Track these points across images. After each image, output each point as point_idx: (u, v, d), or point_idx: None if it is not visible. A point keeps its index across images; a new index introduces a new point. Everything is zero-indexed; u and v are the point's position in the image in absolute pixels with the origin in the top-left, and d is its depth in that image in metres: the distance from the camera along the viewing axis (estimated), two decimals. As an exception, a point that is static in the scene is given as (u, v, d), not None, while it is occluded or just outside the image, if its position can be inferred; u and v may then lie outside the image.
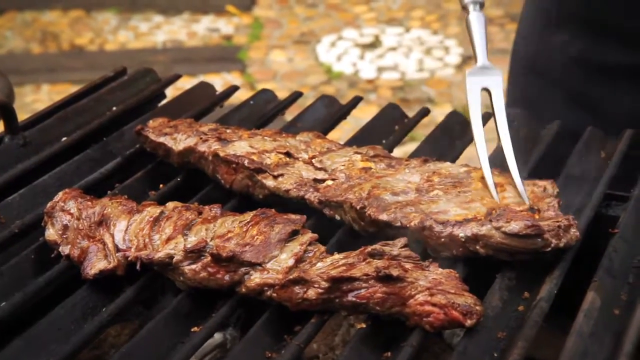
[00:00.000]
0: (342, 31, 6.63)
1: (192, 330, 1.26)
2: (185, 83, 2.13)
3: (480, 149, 1.49)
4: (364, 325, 1.23)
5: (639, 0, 1.92)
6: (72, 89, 1.96)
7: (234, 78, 5.89)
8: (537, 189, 1.42)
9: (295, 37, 6.59)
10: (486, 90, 1.56)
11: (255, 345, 1.21)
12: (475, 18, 1.60)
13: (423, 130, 1.89)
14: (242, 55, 6.32)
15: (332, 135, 1.74)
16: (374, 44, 6.38)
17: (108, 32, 6.84)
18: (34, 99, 5.70)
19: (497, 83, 1.56)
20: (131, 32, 6.83)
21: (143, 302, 1.66)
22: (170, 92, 2.03)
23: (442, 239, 1.31)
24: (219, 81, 5.66)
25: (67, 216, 1.43)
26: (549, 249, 1.28)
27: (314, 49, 6.37)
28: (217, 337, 1.58)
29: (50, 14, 7.16)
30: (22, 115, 1.78)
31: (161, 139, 1.67)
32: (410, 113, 1.89)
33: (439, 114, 1.88)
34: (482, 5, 1.61)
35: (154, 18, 7.05)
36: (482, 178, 1.44)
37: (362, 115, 1.91)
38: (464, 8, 1.62)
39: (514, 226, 1.28)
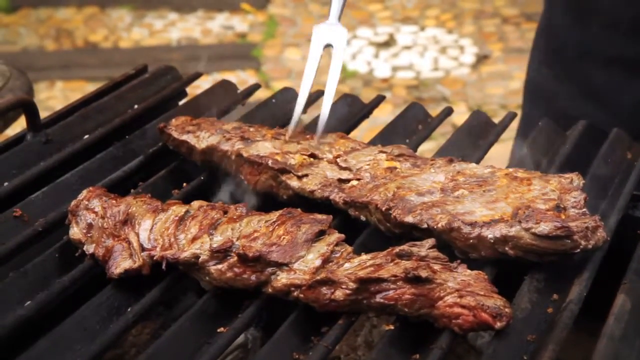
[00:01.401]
0: (356, 30, 6.61)
1: (219, 330, 1.26)
2: (202, 81, 2.12)
3: (301, 96, 1.65)
4: (391, 327, 1.22)
5: None
6: (86, 86, 1.96)
7: (248, 76, 5.88)
8: (564, 180, 1.41)
9: (310, 35, 6.58)
10: (330, 46, 1.69)
11: (282, 346, 1.21)
12: None
13: (440, 129, 1.89)
14: (256, 52, 6.31)
15: (350, 133, 1.73)
16: (389, 43, 6.37)
17: (122, 29, 6.83)
18: (48, 96, 5.70)
19: (340, 39, 1.67)
20: (146, 30, 6.82)
21: (165, 302, 1.66)
22: (189, 91, 2.03)
23: (471, 240, 1.30)
24: (233, 79, 5.64)
25: (91, 215, 1.43)
26: (578, 250, 1.27)
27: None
28: (239, 337, 1.57)
29: (65, 10, 7.16)
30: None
31: (184, 137, 1.66)
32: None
33: (454, 113, 1.88)
34: None
35: (168, 15, 7.04)
36: (507, 175, 1.44)
37: (379, 114, 1.90)
38: None
39: (544, 227, 1.27)
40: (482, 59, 6.07)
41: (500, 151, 1.68)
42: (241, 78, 5.78)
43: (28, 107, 1.72)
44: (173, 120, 1.72)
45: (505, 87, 5.60)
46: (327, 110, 1.62)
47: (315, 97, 1.85)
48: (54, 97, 5.66)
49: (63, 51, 6.52)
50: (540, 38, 2.29)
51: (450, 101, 5.46)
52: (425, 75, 5.87)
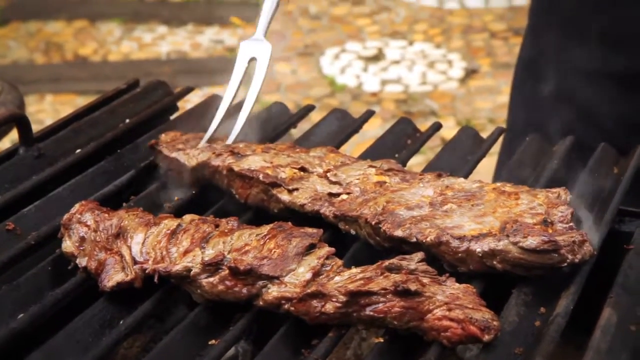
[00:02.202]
0: (345, 44, 6.64)
1: (210, 343, 1.27)
2: (192, 94, 2.14)
3: (222, 107, 1.73)
4: (381, 340, 1.23)
5: (632, 8, 1.94)
6: (76, 99, 1.97)
7: (238, 90, 5.89)
8: (552, 194, 1.42)
9: (299, 49, 6.60)
10: (254, 59, 1.75)
11: (273, 359, 1.22)
12: None
13: (429, 143, 1.90)
14: (245, 67, 6.33)
15: (340, 148, 1.75)
16: (378, 57, 6.40)
17: (112, 42, 6.85)
18: (37, 109, 5.70)
19: (264, 52, 1.75)
20: (135, 43, 6.84)
21: (156, 315, 1.66)
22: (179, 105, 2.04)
23: (459, 254, 1.31)
24: (222, 93, 5.65)
25: (84, 228, 1.44)
26: (565, 264, 1.29)
27: (317, 61, 6.39)
28: (230, 350, 1.58)
29: (55, 24, 7.18)
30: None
31: (174, 155, 1.67)
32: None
33: (443, 127, 1.90)
34: None
35: (158, 29, 7.06)
36: (494, 189, 1.45)
37: (367, 128, 1.92)
38: None
39: (531, 241, 1.28)
40: (470, 73, 6.10)
41: (487, 165, 1.69)
42: (230, 92, 5.79)
43: (21, 122, 1.73)
44: (163, 135, 1.73)
45: (493, 101, 5.63)
46: (244, 118, 1.71)
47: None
48: (43, 110, 5.66)
49: (53, 64, 6.53)
50: (524, 51, 2.30)
51: (438, 115, 5.48)
52: (413, 90, 5.90)
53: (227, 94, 1.76)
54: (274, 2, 1.79)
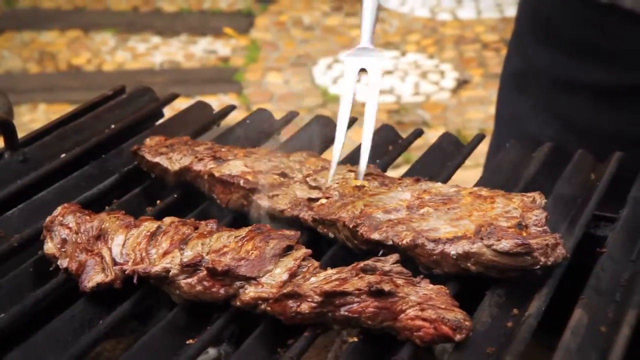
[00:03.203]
0: (338, 54, 6.66)
1: (187, 342, 1.29)
2: (183, 104, 2.16)
3: (340, 130, 1.52)
4: (355, 339, 1.25)
5: (611, 21, 1.95)
6: (69, 109, 1.98)
7: (230, 99, 5.92)
8: (527, 199, 1.44)
9: (292, 60, 6.63)
10: (364, 71, 1.56)
11: (249, 358, 1.24)
12: (369, 1, 1.59)
13: (417, 152, 1.92)
14: (238, 77, 6.36)
15: (328, 156, 1.76)
16: (370, 68, 6.40)
17: (106, 52, 6.88)
18: (31, 119, 5.73)
19: (375, 64, 1.55)
20: (129, 53, 6.86)
21: (139, 318, 1.68)
22: (168, 113, 2.06)
23: (434, 257, 1.33)
24: (215, 102, 5.67)
25: (65, 230, 1.46)
26: (538, 266, 1.31)
27: (310, 71, 6.41)
28: (212, 352, 1.60)
29: (48, 34, 7.20)
30: (19, 135, 1.81)
31: (157, 159, 1.69)
32: (406, 135, 1.91)
33: (434, 137, 1.90)
34: None
35: (151, 39, 7.09)
36: (471, 193, 1.47)
37: (358, 137, 1.93)
38: None
39: (505, 244, 1.30)
40: (462, 84, 6.13)
41: (474, 176, 1.71)
42: (223, 101, 5.82)
43: (6, 127, 1.75)
44: (147, 140, 1.75)
45: (485, 111, 5.66)
46: (368, 144, 1.51)
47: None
48: (36, 119, 5.69)
49: (46, 74, 6.55)
50: (509, 62, 2.32)
51: (430, 125, 5.51)
52: (406, 100, 5.92)
53: (342, 115, 1.56)
54: (374, 4, 1.59)
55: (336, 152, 1.50)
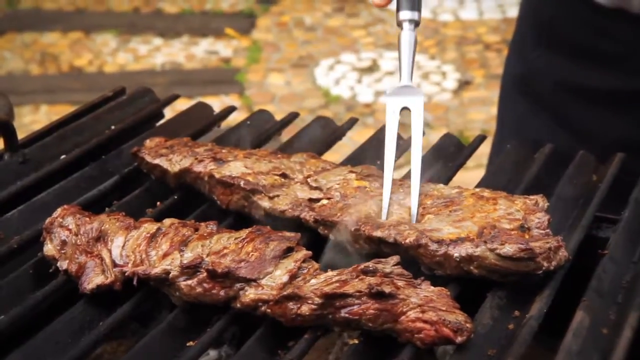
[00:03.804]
0: (340, 55, 6.66)
1: (188, 344, 1.28)
2: (184, 105, 2.15)
3: (387, 167, 1.49)
4: (356, 342, 1.25)
5: (616, 25, 1.95)
6: (71, 110, 1.97)
7: (232, 100, 5.92)
8: (529, 201, 1.44)
9: (294, 61, 6.63)
10: (407, 109, 1.55)
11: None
12: (407, 37, 1.58)
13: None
14: (240, 77, 6.36)
15: (331, 158, 1.75)
16: (372, 68, 6.42)
17: (107, 53, 6.87)
18: (32, 120, 5.72)
19: (417, 103, 1.55)
20: (130, 54, 6.86)
21: (139, 320, 1.68)
22: (169, 114, 2.05)
23: (437, 258, 1.33)
24: (217, 103, 5.67)
25: (65, 232, 1.46)
26: (540, 271, 1.30)
27: (312, 72, 6.41)
28: (213, 354, 1.59)
29: (50, 35, 7.20)
30: (20, 136, 1.80)
31: (157, 161, 1.68)
32: (407, 137, 1.91)
33: (435, 138, 1.89)
34: (417, 24, 1.59)
35: (153, 40, 7.09)
36: (473, 195, 1.47)
37: (360, 139, 1.93)
38: (399, 24, 1.60)
39: (508, 249, 1.30)
40: (464, 84, 6.12)
41: (476, 177, 1.71)
42: (225, 102, 5.82)
43: (5, 128, 1.74)
44: (147, 141, 1.75)
45: (486, 112, 5.65)
46: (417, 184, 1.47)
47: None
48: (38, 121, 5.68)
49: (48, 75, 6.55)
50: (509, 65, 2.32)
51: (432, 126, 5.50)
52: (407, 101, 5.90)
53: (388, 155, 1.51)
54: (412, 41, 1.58)
55: (386, 193, 1.48)
